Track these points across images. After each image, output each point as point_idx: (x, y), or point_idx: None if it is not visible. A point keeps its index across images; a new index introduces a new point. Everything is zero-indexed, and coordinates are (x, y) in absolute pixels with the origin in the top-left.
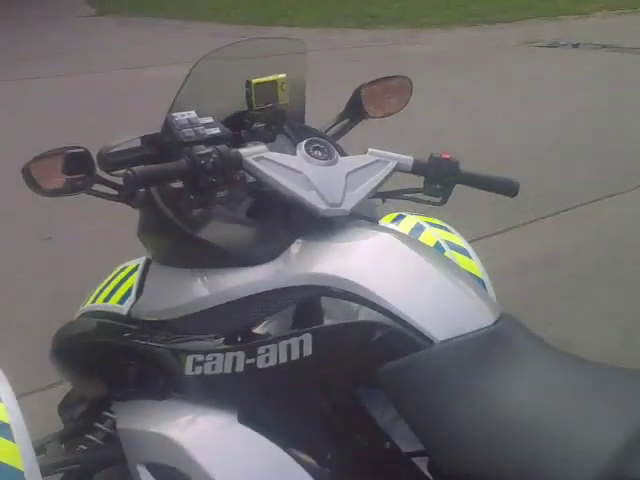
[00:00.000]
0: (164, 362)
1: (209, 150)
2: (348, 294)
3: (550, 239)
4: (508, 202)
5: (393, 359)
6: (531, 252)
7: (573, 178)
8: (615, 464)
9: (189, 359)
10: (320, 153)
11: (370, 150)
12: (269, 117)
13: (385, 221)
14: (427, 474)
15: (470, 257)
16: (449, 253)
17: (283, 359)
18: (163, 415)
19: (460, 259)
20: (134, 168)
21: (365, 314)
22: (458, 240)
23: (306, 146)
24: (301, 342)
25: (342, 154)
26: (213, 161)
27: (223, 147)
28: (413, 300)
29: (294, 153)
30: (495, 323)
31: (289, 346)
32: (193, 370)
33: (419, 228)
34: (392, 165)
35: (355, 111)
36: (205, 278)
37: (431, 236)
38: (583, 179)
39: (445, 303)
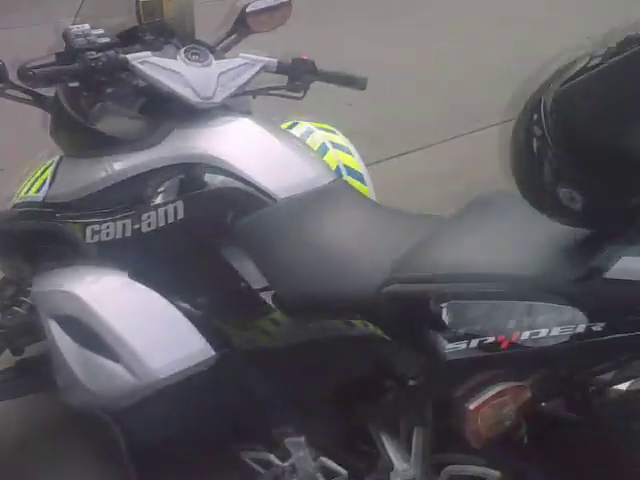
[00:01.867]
0: (70, 235)
1: (99, 55)
2: (212, 167)
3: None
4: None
5: (244, 216)
6: None
7: None
8: (392, 273)
9: (88, 229)
10: (197, 57)
11: (241, 54)
12: (156, 30)
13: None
14: (272, 305)
15: (352, 154)
16: (333, 151)
17: (162, 223)
18: (69, 277)
19: (342, 156)
20: (34, 70)
21: (223, 182)
22: (342, 141)
23: (185, 52)
24: (175, 208)
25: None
26: (102, 64)
27: (111, 52)
28: (260, 167)
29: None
30: (329, 184)
31: (166, 212)
32: (92, 238)
33: (309, 131)
34: (259, 66)
35: (241, 27)
36: (102, 164)
37: (318, 138)
38: None
39: (286, 168)
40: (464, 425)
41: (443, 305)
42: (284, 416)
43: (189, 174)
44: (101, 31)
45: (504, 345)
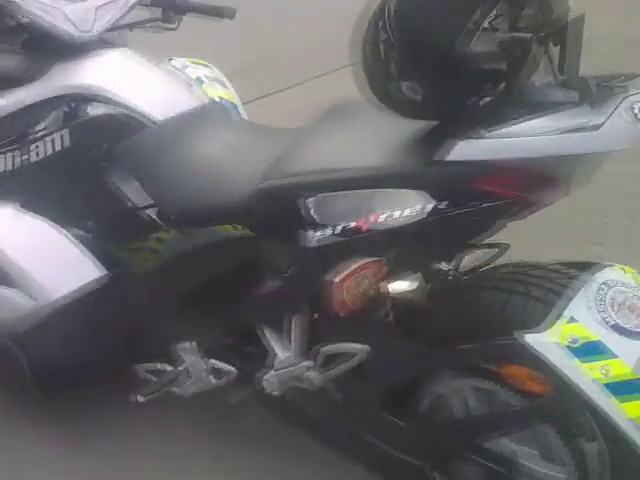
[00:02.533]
0: None
1: None
2: (94, 97)
3: None
4: None
5: (127, 140)
6: None
7: None
8: (262, 177)
9: None
10: None
11: None
12: None
13: None
14: (158, 220)
15: (226, 87)
16: (208, 84)
17: (49, 152)
18: None
19: (217, 89)
20: None
21: (105, 109)
22: (216, 75)
23: None
24: (61, 137)
25: None
26: None
27: None
28: (138, 93)
29: None
30: (204, 106)
31: (53, 141)
32: None
33: (184, 66)
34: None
35: None
36: None
37: (193, 71)
38: None
39: (164, 92)
40: (332, 298)
41: (309, 199)
42: (175, 325)
43: (72, 105)
44: None
45: (364, 228)
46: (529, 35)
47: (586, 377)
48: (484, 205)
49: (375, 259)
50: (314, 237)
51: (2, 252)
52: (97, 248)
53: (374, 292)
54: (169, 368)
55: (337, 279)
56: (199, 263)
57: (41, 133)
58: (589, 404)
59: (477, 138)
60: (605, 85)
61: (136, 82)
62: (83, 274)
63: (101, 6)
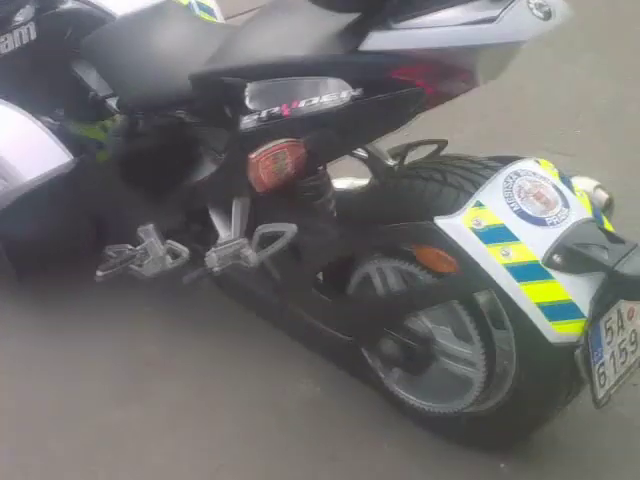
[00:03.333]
0: None
1: None
2: None
3: None
4: None
5: (89, 33)
6: None
7: None
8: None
9: None
10: None
11: None
12: None
13: None
14: (116, 109)
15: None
16: (197, 10)
17: (18, 44)
18: None
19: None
20: None
21: (71, 4)
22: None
23: None
24: (28, 30)
25: None
26: None
27: None
28: None
29: None
30: (161, 3)
31: (20, 34)
32: None
33: None
34: None
35: None
36: None
37: None
38: None
39: None
40: (249, 173)
41: (238, 86)
42: (134, 209)
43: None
44: None
45: (286, 112)
46: None
47: (488, 258)
48: (396, 93)
49: (292, 140)
50: (243, 122)
51: None
52: (65, 135)
53: (290, 172)
54: (130, 248)
55: (252, 156)
56: (147, 150)
57: (10, 26)
58: (492, 284)
59: (387, 29)
60: None
61: None
62: (52, 159)
63: None
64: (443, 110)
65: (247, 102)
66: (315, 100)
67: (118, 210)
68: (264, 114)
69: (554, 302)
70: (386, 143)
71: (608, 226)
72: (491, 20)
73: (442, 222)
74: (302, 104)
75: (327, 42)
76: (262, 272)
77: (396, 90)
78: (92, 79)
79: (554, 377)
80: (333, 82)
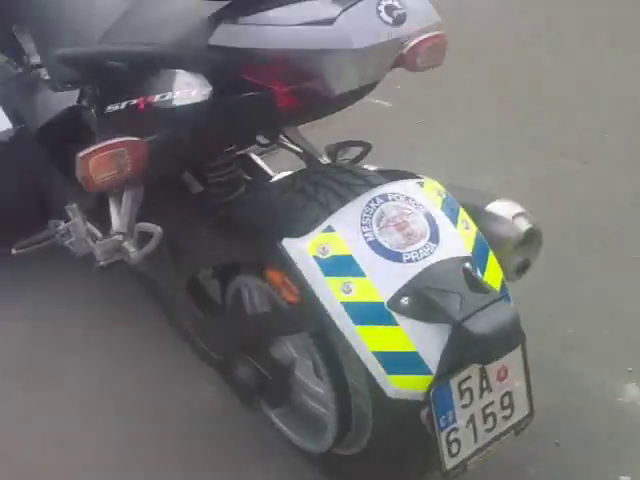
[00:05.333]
0: None
1: None
2: None
3: None
4: None
5: None
6: None
7: None
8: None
9: None
10: None
11: None
12: None
13: None
14: (46, 80)
15: None
16: None
17: None
18: None
19: None
20: None
21: None
22: None
23: None
24: None
25: None
26: None
27: None
28: None
29: None
30: None
31: None
32: None
33: None
34: None
35: None
36: None
37: None
38: None
39: None
40: (78, 172)
41: (103, 69)
42: (61, 187)
43: None
44: None
45: (141, 106)
46: None
47: (326, 292)
48: (242, 96)
49: (133, 139)
50: (106, 109)
51: None
52: (6, 105)
53: (128, 171)
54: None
55: (80, 154)
56: (60, 126)
57: None
58: (328, 322)
59: (233, 23)
60: None
61: None
62: None
63: None
64: None
65: (113, 89)
66: (168, 96)
67: (51, 185)
68: (124, 105)
69: (395, 352)
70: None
71: (492, 268)
72: (329, 22)
73: (288, 244)
74: (156, 98)
75: (191, 30)
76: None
77: (245, 92)
78: (30, 46)
79: (403, 435)
80: (192, 77)
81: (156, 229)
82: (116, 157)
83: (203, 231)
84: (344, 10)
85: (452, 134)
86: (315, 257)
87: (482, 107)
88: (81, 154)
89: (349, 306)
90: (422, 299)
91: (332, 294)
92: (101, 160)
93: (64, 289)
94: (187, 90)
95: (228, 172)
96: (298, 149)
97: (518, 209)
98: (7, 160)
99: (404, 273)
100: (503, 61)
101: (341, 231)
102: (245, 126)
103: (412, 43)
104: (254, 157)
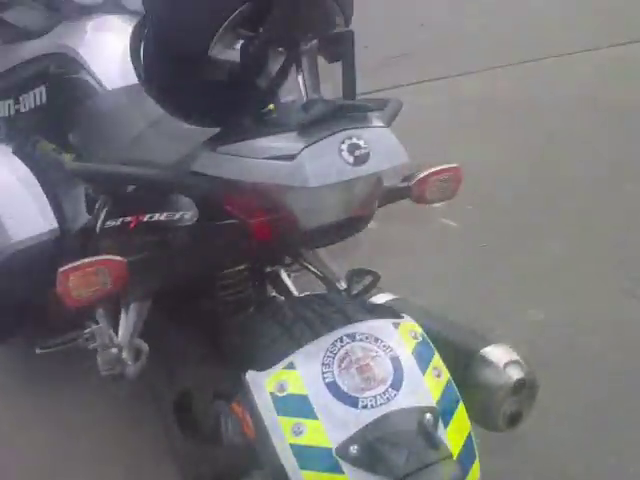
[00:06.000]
0: None
1: None
2: (71, 58)
3: None
4: None
5: (80, 103)
6: None
7: None
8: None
9: None
10: None
11: None
12: None
13: None
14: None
15: None
16: None
17: (32, 105)
18: None
19: None
20: None
21: (74, 71)
22: None
23: None
24: (40, 92)
25: None
26: None
27: None
28: (103, 60)
29: None
30: None
31: (34, 95)
32: None
33: None
34: None
35: None
36: (8, 50)
37: None
38: None
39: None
40: (57, 287)
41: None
42: None
43: (55, 63)
44: None
45: (133, 224)
46: (255, 36)
47: (277, 432)
48: (216, 224)
49: (115, 258)
50: (106, 224)
51: None
52: (55, 200)
53: (108, 289)
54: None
55: (62, 269)
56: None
57: (28, 86)
58: (276, 463)
59: (211, 151)
60: (347, 106)
61: (104, 50)
62: (41, 226)
63: None
64: None
65: (112, 205)
66: (156, 217)
67: None
68: (119, 221)
69: None
70: None
71: (458, 421)
72: (290, 158)
73: (251, 376)
74: (146, 218)
75: (184, 155)
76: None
77: (226, 219)
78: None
79: None
80: (180, 201)
81: (143, 346)
82: (96, 275)
83: (197, 352)
84: (307, 146)
85: (513, 262)
86: (272, 394)
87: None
88: (62, 269)
89: (297, 449)
90: (371, 449)
91: (282, 434)
92: (81, 277)
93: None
94: (173, 213)
95: (237, 292)
96: (318, 272)
97: (513, 356)
98: (49, 259)
99: (357, 420)
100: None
101: (301, 369)
102: (225, 253)
103: (421, 175)
104: (283, 275)
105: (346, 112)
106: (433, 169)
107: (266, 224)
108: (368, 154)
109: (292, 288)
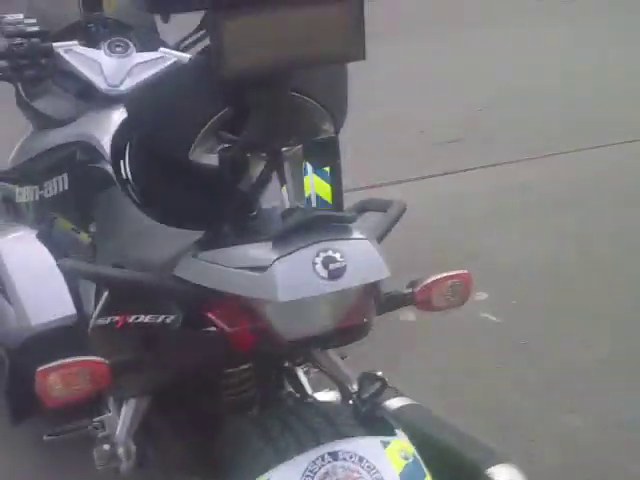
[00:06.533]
0: (10, 194)
1: (23, 41)
2: (93, 148)
3: None
4: None
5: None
6: None
7: None
8: None
9: (17, 191)
10: (120, 49)
11: (161, 49)
12: (96, 22)
13: None
14: None
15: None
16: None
17: (55, 191)
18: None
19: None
20: None
21: (95, 160)
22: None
23: (109, 43)
24: (63, 180)
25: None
26: (23, 49)
27: (35, 40)
28: None
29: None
30: None
31: (57, 182)
32: (17, 199)
33: None
34: (172, 60)
35: None
36: (36, 136)
37: None
38: None
39: None
40: (35, 386)
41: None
42: None
43: (78, 151)
44: (33, 21)
45: (120, 324)
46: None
47: None
48: (207, 331)
49: (96, 359)
50: (98, 321)
51: (8, 272)
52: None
53: (88, 389)
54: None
55: (40, 369)
56: None
57: (53, 173)
58: None
59: (191, 257)
60: (324, 217)
61: None
62: (61, 310)
63: (139, 64)
64: None
65: (107, 301)
66: (141, 318)
67: None
68: (108, 320)
69: None
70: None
71: None
72: (261, 269)
73: None
74: (131, 319)
75: (169, 259)
76: None
77: (202, 327)
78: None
79: None
80: (164, 304)
81: (132, 448)
82: (77, 375)
83: (192, 458)
84: (279, 258)
85: (551, 362)
86: None
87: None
88: (40, 369)
89: None
90: None
91: None
92: (60, 377)
93: None
94: (157, 316)
95: (240, 391)
96: (330, 373)
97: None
98: (65, 344)
99: None
100: None
101: None
102: (207, 361)
103: (426, 282)
104: (299, 373)
105: (324, 223)
106: (440, 275)
107: (248, 334)
108: (344, 268)
109: (306, 386)
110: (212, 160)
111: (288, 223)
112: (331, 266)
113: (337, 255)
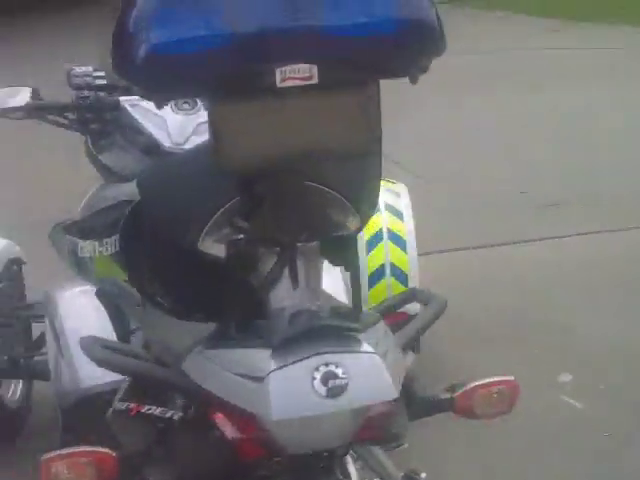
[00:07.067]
0: (75, 247)
1: (90, 94)
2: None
3: None
4: None
5: None
6: None
7: None
8: None
9: (80, 245)
10: (187, 106)
11: None
12: None
13: None
14: None
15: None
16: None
17: (111, 250)
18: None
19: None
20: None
21: None
22: (404, 204)
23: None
24: (115, 240)
25: None
26: (90, 102)
27: (102, 93)
28: None
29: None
30: None
31: (115, 240)
32: (80, 254)
33: None
34: None
35: None
36: (103, 190)
37: None
38: None
39: None
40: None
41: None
42: None
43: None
44: (102, 74)
45: (133, 412)
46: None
47: None
48: (211, 435)
49: (103, 450)
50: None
51: (64, 327)
52: None
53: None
54: None
55: (45, 457)
56: None
57: (110, 230)
58: None
59: (198, 353)
60: (328, 326)
61: None
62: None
63: (204, 122)
64: None
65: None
66: (152, 410)
67: None
68: (125, 405)
69: None
70: None
71: None
72: (258, 380)
73: None
74: (144, 409)
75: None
76: None
77: (205, 428)
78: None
79: None
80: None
81: None
82: (82, 466)
83: None
84: (275, 370)
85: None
86: None
87: None
88: (44, 457)
89: None
90: None
91: None
92: (66, 467)
93: None
94: (165, 410)
95: None
96: (374, 469)
97: None
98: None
99: None
100: None
101: None
102: (212, 466)
103: (467, 387)
104: (348, 461)
105: (328, 331)
106: (483, 381)
107: (253, 444)
108: (345, 386)
109: (354, 476)
110: (222, 251)
111: (290, 330)
112: (330, 383)
113: (339, 370)
